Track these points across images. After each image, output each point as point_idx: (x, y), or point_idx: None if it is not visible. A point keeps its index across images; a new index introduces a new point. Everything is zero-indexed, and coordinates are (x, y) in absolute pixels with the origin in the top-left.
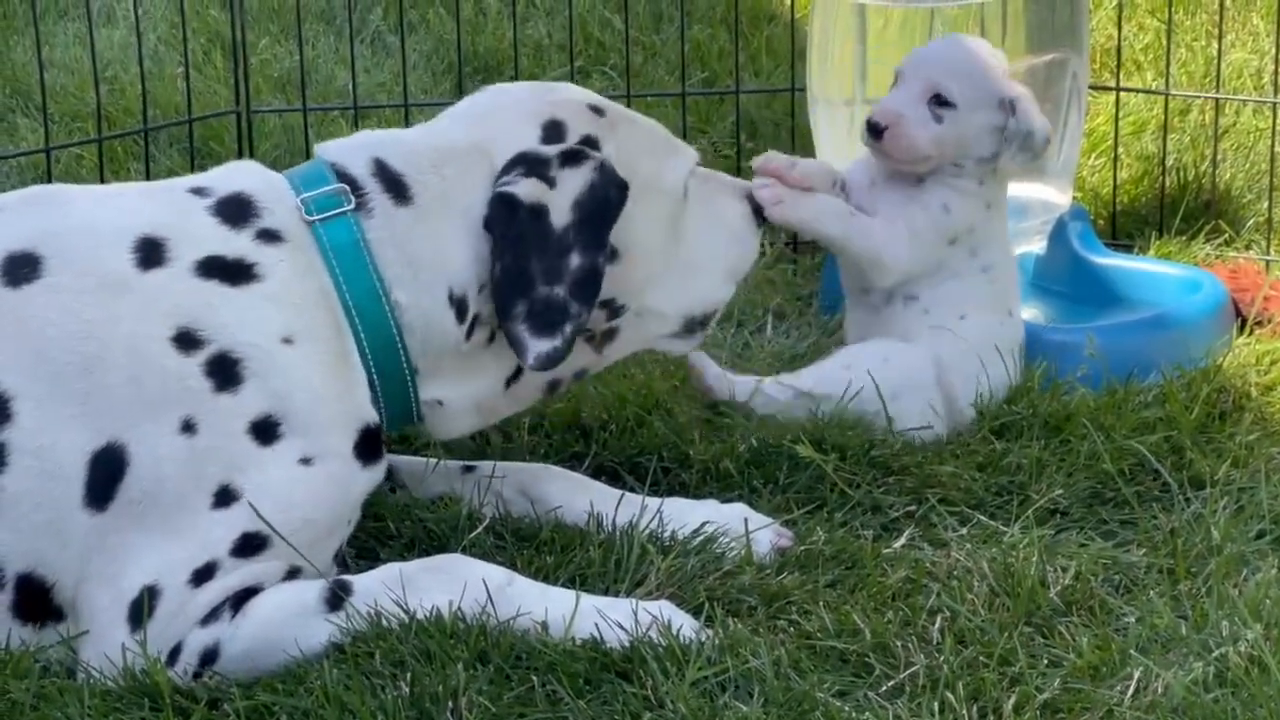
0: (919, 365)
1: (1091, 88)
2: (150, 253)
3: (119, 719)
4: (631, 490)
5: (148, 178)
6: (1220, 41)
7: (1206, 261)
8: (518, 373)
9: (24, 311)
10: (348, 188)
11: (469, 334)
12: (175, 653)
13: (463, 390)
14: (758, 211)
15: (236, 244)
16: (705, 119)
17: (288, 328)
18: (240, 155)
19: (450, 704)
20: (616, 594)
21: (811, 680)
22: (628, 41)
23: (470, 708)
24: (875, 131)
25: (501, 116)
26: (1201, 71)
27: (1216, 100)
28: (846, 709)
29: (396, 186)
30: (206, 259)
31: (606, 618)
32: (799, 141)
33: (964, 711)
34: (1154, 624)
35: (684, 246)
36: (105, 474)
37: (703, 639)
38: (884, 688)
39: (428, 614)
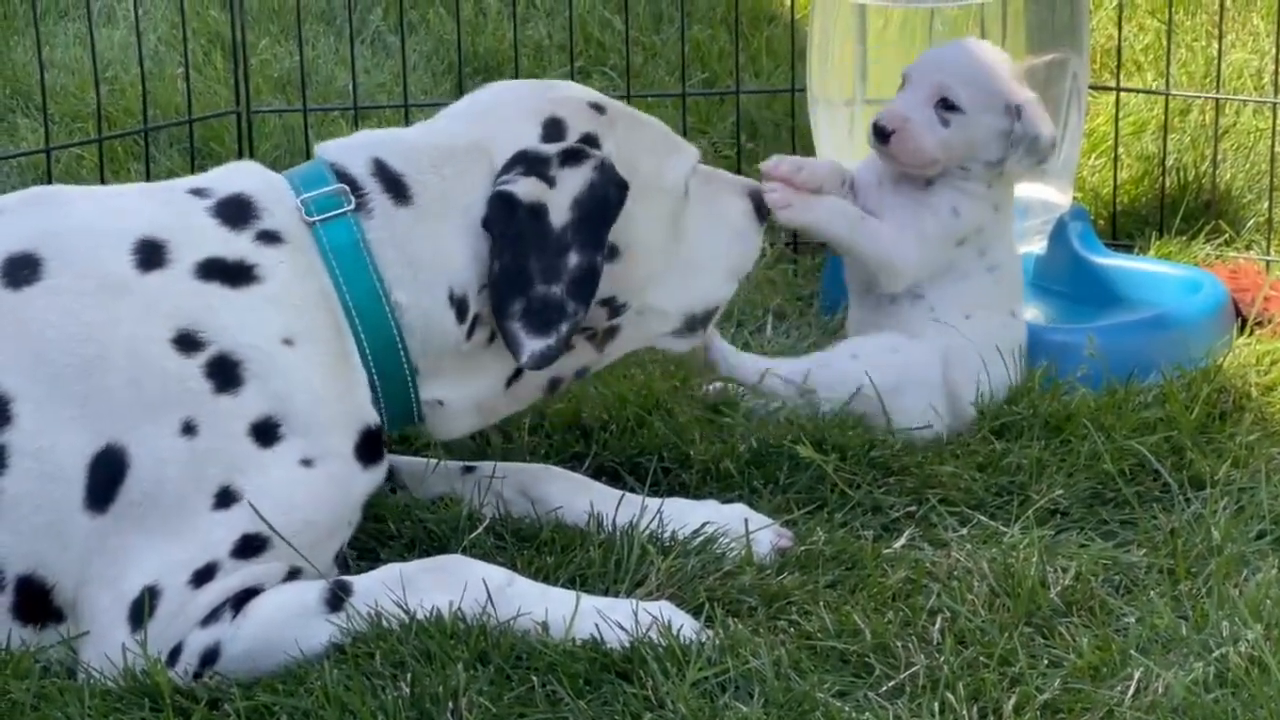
0: (925, 360)
1: (1092, 88)
2: (150, 254)
3: (119, 719)
4: (632, 490)
5: (148, 178)
6: (1220, 42)
7: (1207, 262)
8: (518, 372)
9: (24, 313)
10: (347, 188)
11: (469, 334)
12: (176, 653)
13: (463, 390)
14: (759, 210)
15: (237, 245)
16: (705, 119)
17: (288, 329)
18: (240, 156)
19: (450, 704)
20: (617, 594)
21: (812, 681)
22: (628, 42)
23: (470, 708)
24: (882, 135)
25: (501, 114)
26: (1202, 72)
27: (1217, 100)
28: (847, 709)
29: (396, 186)
30: (207, 261)
31: (607, 618)
32: (799, 142)
33: (964, 712)
34: (1154, 624)
35: (685, 245)
36: (105, 476)
37: (703, 639)
38: (884, 688)
39: (428, 614)
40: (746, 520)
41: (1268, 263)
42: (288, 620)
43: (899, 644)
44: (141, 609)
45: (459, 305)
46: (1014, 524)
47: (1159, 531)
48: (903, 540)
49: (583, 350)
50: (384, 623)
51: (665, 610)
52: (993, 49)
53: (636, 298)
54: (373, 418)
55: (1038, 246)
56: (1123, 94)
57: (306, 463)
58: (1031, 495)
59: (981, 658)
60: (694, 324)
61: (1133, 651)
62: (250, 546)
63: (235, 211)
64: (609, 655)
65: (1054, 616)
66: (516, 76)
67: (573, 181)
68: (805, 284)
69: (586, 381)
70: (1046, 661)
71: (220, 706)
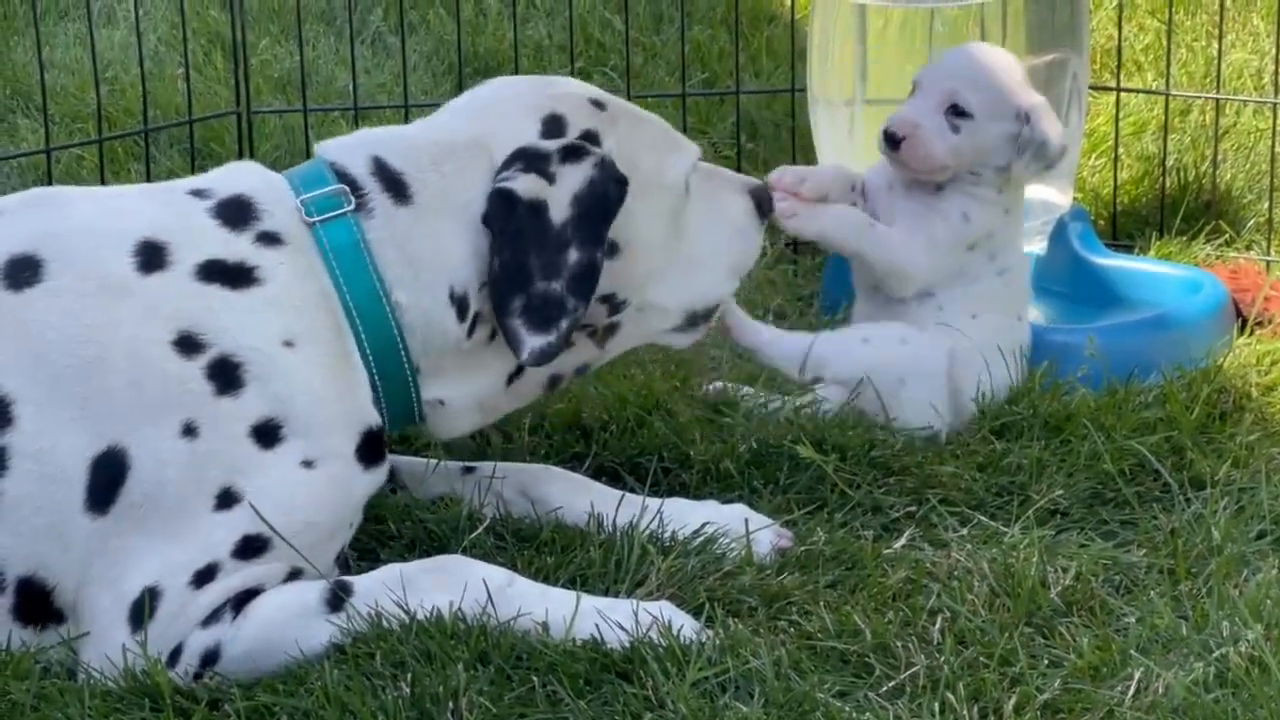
0: (933, 355)
1: (1092, 88)
2: (151, 256)
3: (119, 719)
4: (632, 491)
5: (148, 179)
6: (1220, 42)
7: (1207, 262)
8: (519, 369)
9: (25, 314)
10: (347, 188)
11: (470, 332)
12: (176, 653)
13: (465, 389)
14: (760, 208)
15: (237, 247)
16: (706, 119)
17: (288, 331)
18: (241, 156)
19: (451, 704)
20: (617, 594)
21: (812, 681)
22: (628, 42)
23: (471, 708)
24: (893, 142)
25: (501, 111)
26: (1202, 72)
27: (1217, 101)
28: (847, 709)
29: (396, 186)
30: (207, 262)
31: (607, 618)
32: (799, 142)
33: (964, 712)
34: (1154, 624)
35: (686, 242)
36: (106, 478)
37: (703, 639)
38: (884, 688)
39: (428, 615)
40: (747, 520)
41: (1268, 263)
42: (288, 620)
43: (899, 644)
44: (142, 610)
45: (459, 304)
46: (1014, 524)
47: (1159, 531)
48: (903, 540)
49: (583, 347)
50: (384, 623)
51: (665, 610)
52: (1002, 54)
53: (637, 294)
54: (374, 419)
55: (1038, 247)
56: (1123, 94)
57: (307, 464)
58: (1032, 495)
59: (982, 658)
60: (695, 320)
61: (1133, 651)
62: (251, 547)
63: (235, 213)
64: (609, 655)
65: (1054, 616)
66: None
67: (573, 178)
68: (805, 284)
69: (587, 381)
70: (1047, 661)
71: (220, 707)
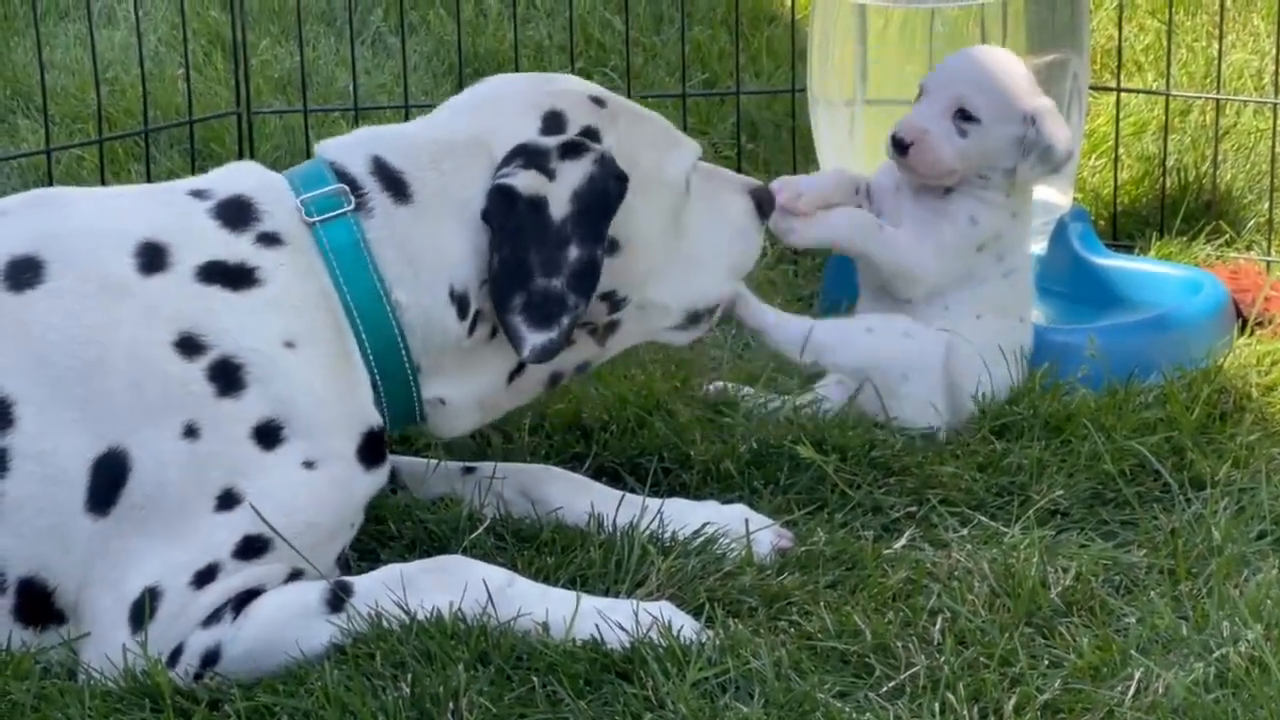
0: (936, 351)
1: (1092, 88)
2: (152, 257)
3: (119, 719)
4: (632, 491)
5: (148, 179)
6: (1221, 42)
7: (1207, 262)
8: (520, 367)
9: (25, 316)
10: (347, 188)
11: (471, 330)
12: (176, 654)
13: (465, 387)
14: (760, 208)
15: (237, 248)
16: (706, 120)
17: (289, 332)
18: (241, 157)
19: (451, 705)
20: (617, 595)
21: (812, 681)
22: (628, 43)
23: (471, 708)
24: (900, 147)
25: (501, 107)
26: (1202, 72)
27: (1217, 101)
28: (847, 710)
29: (395, 185)
30: (208, 264)
31: (607, 618)
32: (799, 142)
33: (965, 712)
34: (1155, 624)
35: (686, 241)
36: (107, 479)
37: (703, 640)
38: (885, 688)
39: (428, 615)
40: (747, 521)
41: (1268, 263)
42: (288, 621)
43: (899, 644)
44: (142, 610)
45: (460, 302)
46: (1014, 524)
47: (1159, 532)
48: (903, 541)
49: (584, 345)
50: (384, 623)
51: (665, 611)
52: (1009, 57)
53: (637, 292)
54: (375, 419)
55: (1038, 247)
56: (1123, 94)
57: (309, 465)
58: (1032, 495)
59: (982, 658)
60: (696, 318)
61: (1133, 652)
62: (252, 548)
63: (235, 213)
64: (609, 656)
65: (1054, 617)
66: None
67: (572, 174)
68: (806, 284)
69: (587, 382)
70: (1047, 662)
71: (221, 707)
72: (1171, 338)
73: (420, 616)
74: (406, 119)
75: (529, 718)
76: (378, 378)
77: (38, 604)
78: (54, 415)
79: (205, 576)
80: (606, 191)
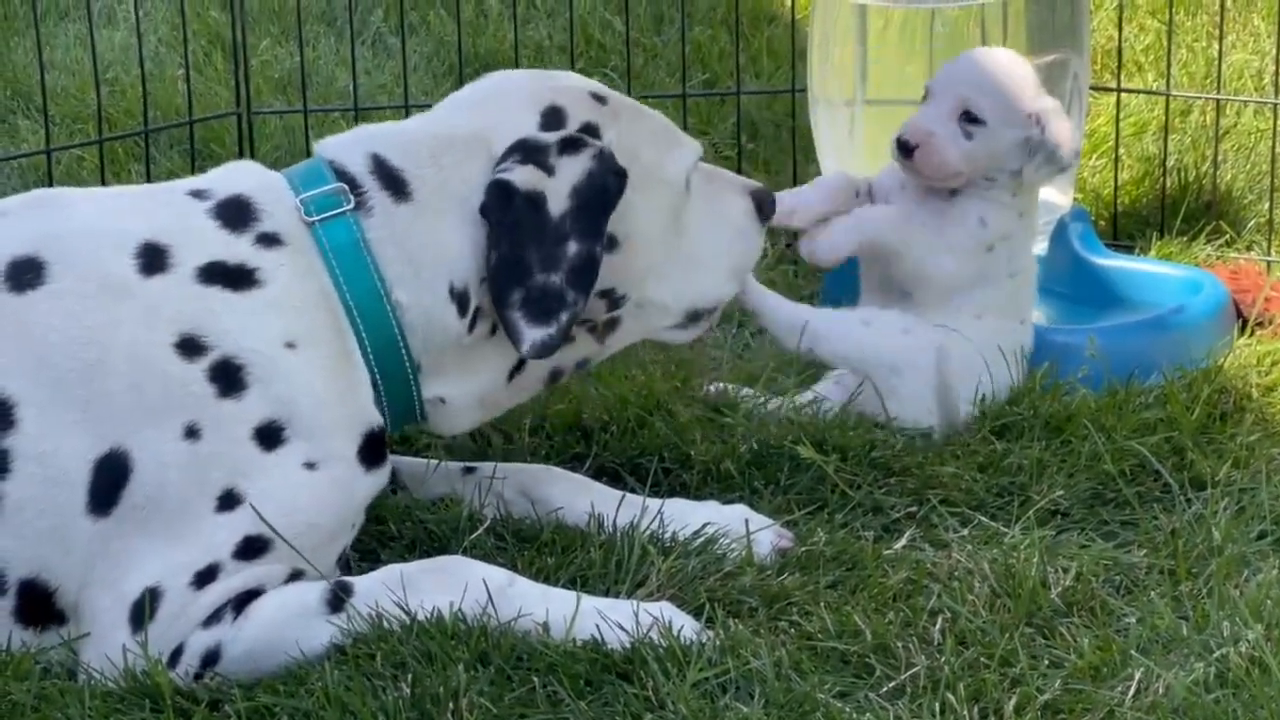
0: (930, 348)
1: (1092, 89)
2: (152, 258)
3: (120, 719)
4: (632, 491)
5: (148, 179)
6: (1221, 42)
7: (1207, 262)
8: (520, 364)
9: (26, 317)
10: (346, 187)
11: (471, 327)
12: (177, 654)
13: (466, 386)
14: (761, 210)
15: (237, 249)
16: (706, 120)
17: (290, 332)
18: (241, 157)
19: (451, 705)
20: (617, 595)
21: (812, 681)
22: (628, 43)
23: (471, 709)
24: (905, 149)
25: (501, 103)
26: (1202, 72)
27: (1217, 101)
28: (847, 710)
29: (395, 183)
30: (208, 265)
31: (607, 619)
32: (799, 142)
33: (965, 712)
34: (1155, 625)
35: (686, 240)
36: (108, 480)
37: (704, 640)
38: (885, 689)
39: (429, 615)
40: (747, 521)
41: (1268, 263)
42: (289, 621)
43: (900, 645)
44: (143, 610)
45: (460, 299)
46: (1015, 525)
47: (1160, 532)
48: (903, 541)
49: (583, 342)
50: (385, 623)
51: (666, 611)
52: (1014, 58)
53: (636, 290)
54: (375, 419)
55: (1039, 247)
56: (1123, 95)
57: (310, 466)
58: (1032, 496)
59: (982, 658)
60: (696, 317)
61: (1133, 652)
62: (252, 548)
63: (235, 213)
64: (610, 656)
65: (1055, 617)
66: None
67: (571, 170)
68: (806, 284)
69: (587, 382)
70: (1047, 662)
71: (221, 707)
72: (1172, 338)
73: (420, 617)
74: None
75: (529, 718)
76: (378, 377)
77: (38, 605)
78: (55, 416)
79: (206, 577)
80: (605, 187)
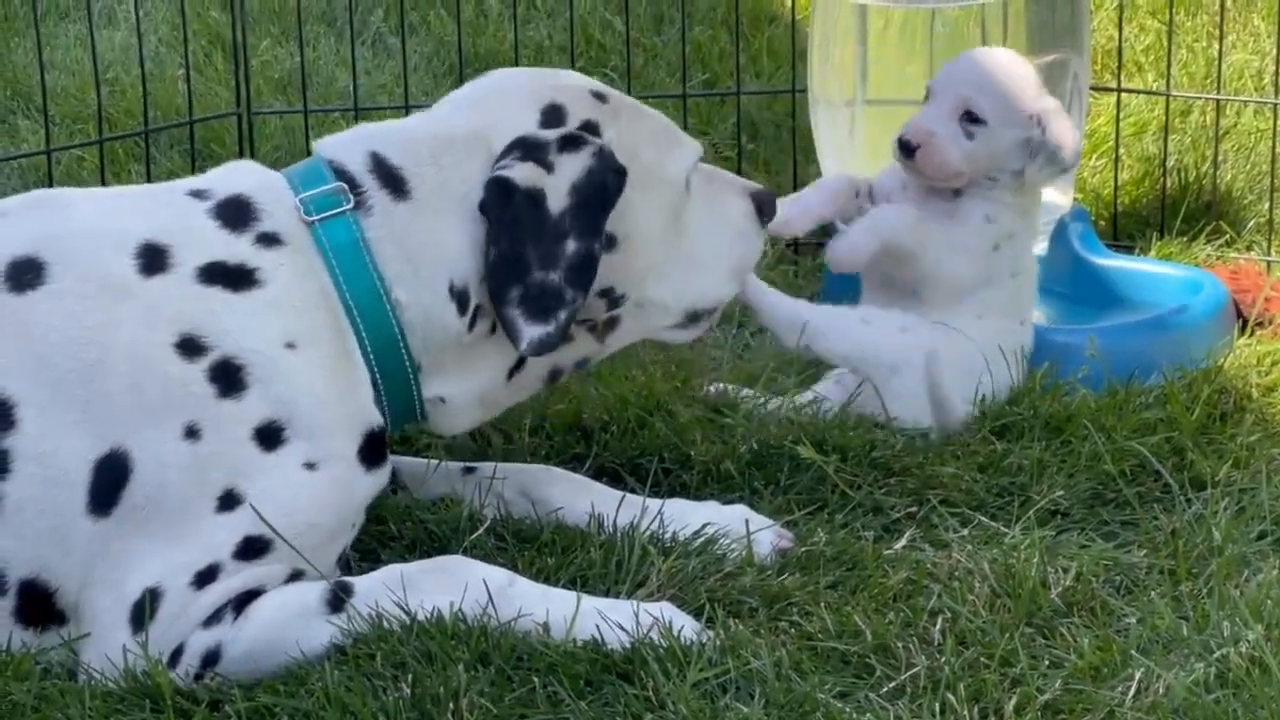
0: (926, 348)
1: (1092, 89)
2: (152, 259)
3: (120, 719)
4: (632, 492)
5: (148, 179)
6: (1221, 43)
7: (1207, 262)
8: (520, 362)
9: (27, 317)
10: (345, 186)
11: (471, 325)
12: (177, 654)
13: (466, 384)
14: (760, 210)
15: (237, 249)
16: (706, 120)
17: (290, 332)
18: (241, 157)
19: (451, 705)
20: (618, 595)
21: (813, 681)
22: (629, 43)
23: (471, 709)
24: (907, 149)
25: (501, 101)
26: (1202, 73)
27: (1217, 101)
28: (848, 710)
29: (394, 182)
30: (208, 265)
31: (608, 619)
32: (800, 143)
33: (965, 712)
34: (1155, 625)
35: (685, 240)
36: (108, 480)
37: (704, 640)
38: (885, 689)
39: (429, 615)
40: (747, 521)
41: (1268, 263)
42: (289, 621)
43: (900, 645)
44: (143, 610)
45: (460, 298)
46: (1015, 525)
47: (1160, 532)
48: (903, 541)
49: (583, 341)
50: (385, 624)
51: (666, 611)
52: (1016, 58)
53: (636, 289)
54: (375, 419)
55: (1039, 247)
56: (1123, 95)
57: (310, 466)
58: (1032, 496)
59: (982, 658)
60: (696, 317)
61: (1134, 652)
62: (253, 549)
63: (235, 213)
64: (610, 656)
65: (1055, 617)
66: None
67: (571, 167)
68: (806, 284)
69: (587, 382)
70: (1047, 662)
71: (221, 708)
72: (1172, 338)
73: (421, 617)
74: None
75: (529, 718)
76: (378, 377)
77: (39, 605)
78: (55, 417)
79: (206, 577)
80: (605, 185)
